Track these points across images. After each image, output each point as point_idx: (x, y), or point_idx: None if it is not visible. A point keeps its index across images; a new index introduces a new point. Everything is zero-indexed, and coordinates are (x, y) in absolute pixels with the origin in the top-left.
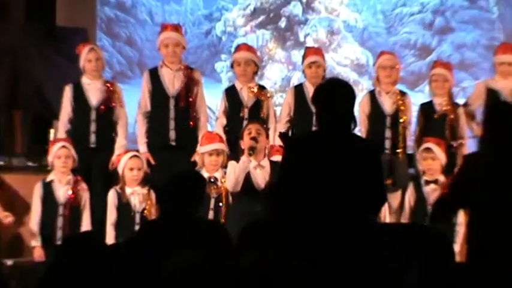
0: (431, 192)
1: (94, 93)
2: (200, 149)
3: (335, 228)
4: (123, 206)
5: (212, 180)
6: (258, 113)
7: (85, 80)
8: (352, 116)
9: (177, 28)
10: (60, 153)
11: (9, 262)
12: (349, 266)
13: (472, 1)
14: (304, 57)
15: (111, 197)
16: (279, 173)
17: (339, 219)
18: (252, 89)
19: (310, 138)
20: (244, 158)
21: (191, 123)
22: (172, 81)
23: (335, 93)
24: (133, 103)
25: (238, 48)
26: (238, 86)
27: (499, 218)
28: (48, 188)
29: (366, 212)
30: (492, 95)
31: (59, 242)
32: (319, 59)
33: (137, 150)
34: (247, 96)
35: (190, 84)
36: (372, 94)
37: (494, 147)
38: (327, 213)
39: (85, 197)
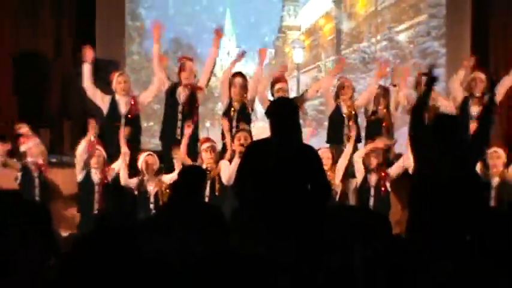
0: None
1: (123, 105)
2: (200, 149)
3: (286, 217)
4: (142, 191)
5: (208, 170)
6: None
7: (117, 97)
8: (298, 126)
9: (191, 59)
10: (93, 153)
11: (64, 234)
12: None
13: None
14: (272, 84)
15: (134, 181)
16: (237, 171)
17: (289, 208)
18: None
19: (265, 142)
20: (236, 160)
21: (194, 120)
22: (181, 94)
23: (284, 109)
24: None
25: (235, 74)
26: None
27: (436, 199)
28: (87, 174)
29: (317, 199)
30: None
31: (95, 212)
32: (284, 86)
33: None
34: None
35: (194, 92)
36: None
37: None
38: (277, 202)
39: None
